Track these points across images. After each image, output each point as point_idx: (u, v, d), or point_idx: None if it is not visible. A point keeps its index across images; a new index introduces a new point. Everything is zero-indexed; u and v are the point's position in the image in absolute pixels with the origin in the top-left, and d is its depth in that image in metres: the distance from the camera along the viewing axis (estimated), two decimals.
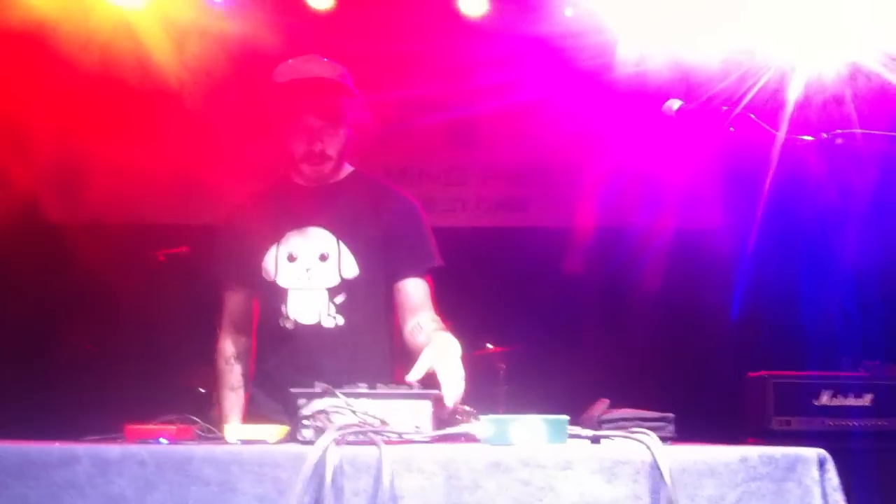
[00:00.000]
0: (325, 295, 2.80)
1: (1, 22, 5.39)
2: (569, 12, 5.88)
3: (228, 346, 2.99)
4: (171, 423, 2.15)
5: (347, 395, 1.97)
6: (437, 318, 2.78)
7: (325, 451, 1.69)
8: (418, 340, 2.67)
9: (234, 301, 2.99)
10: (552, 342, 5.54)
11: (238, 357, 2.98)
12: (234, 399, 2.95)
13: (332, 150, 2.82)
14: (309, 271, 2.81)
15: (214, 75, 5.90)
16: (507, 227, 6.03)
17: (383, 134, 5.79)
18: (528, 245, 5.87)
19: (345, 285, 2.80)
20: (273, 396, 2.85)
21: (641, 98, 6.00)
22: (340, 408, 1.94)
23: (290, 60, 2.83)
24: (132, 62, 5.72)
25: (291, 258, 2.83)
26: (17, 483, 1.74)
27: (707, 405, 4.58)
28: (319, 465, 1.67)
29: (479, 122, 6.18)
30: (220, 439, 2.16)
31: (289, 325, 2.81)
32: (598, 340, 5.70)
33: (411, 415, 1.96)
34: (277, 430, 2.09)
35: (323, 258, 2.81)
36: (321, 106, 2.77)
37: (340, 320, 2.79)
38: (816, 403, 4.47)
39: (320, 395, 1.98)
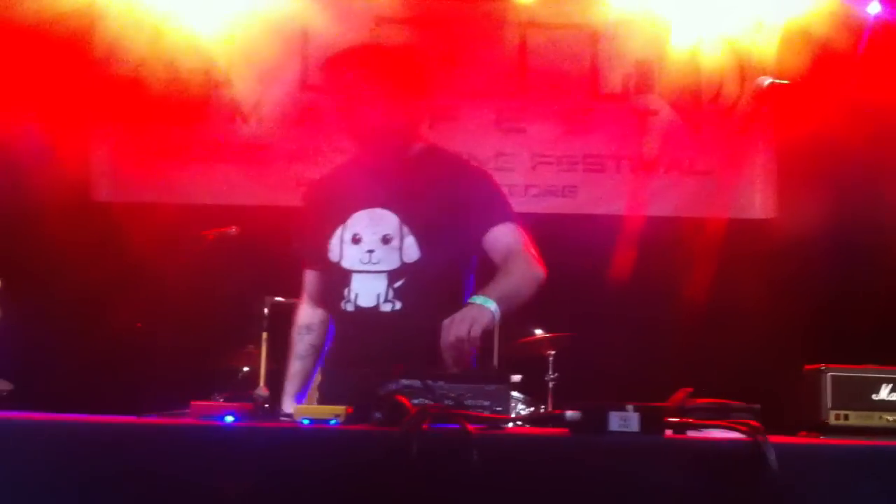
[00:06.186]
0: (386, 278, 2.72)
1: (54, 5, 5.43)
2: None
3: (302, 317, 2.98)
4: (231, 400, 2.11)
5: (425, 376, 1.92)
6: (529, 258, 2.67)
7: (410, 433, 1.63)
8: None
9: (310, 277, 2.97)
10: (600, 329, 5.47)
11: (309, 328, 2.96)
12: (298, 367, 2.94)
13: (386, 130, 2.74)
14: (371, 254, 2.73)
15: (262, 60, 5.89)
16: (556, 213, 5.94)
17: (432, 119, 5.72)
18: (577, 232, 5.79)
19: (405, 269, 2.71)
20: (333, 377, 2.82)
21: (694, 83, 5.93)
22: (418, 389, 1.89)
23: (342, 50, 2.80)
24: (183, 46, 5.73)
25: (356, 240, 2.76)
26: (110, 457, 1.70)
27: (758, 398, 4.49)
28: (405, 448, 1.61)
29: (528, 108, 6.10)
30: (286, 417, 2.12)
31: (350, 308, 2.75)
32: (646, 328, 5.61)
33: (490, 399, 1.91)
34: (343, 411, 2.03)
35: (386, 240, 2.72)
36: (367, 90, 2.69)
37: (398, 305, 2.71)
38: (875, 398, 4.37)
39: (397, 376, 1.92)
